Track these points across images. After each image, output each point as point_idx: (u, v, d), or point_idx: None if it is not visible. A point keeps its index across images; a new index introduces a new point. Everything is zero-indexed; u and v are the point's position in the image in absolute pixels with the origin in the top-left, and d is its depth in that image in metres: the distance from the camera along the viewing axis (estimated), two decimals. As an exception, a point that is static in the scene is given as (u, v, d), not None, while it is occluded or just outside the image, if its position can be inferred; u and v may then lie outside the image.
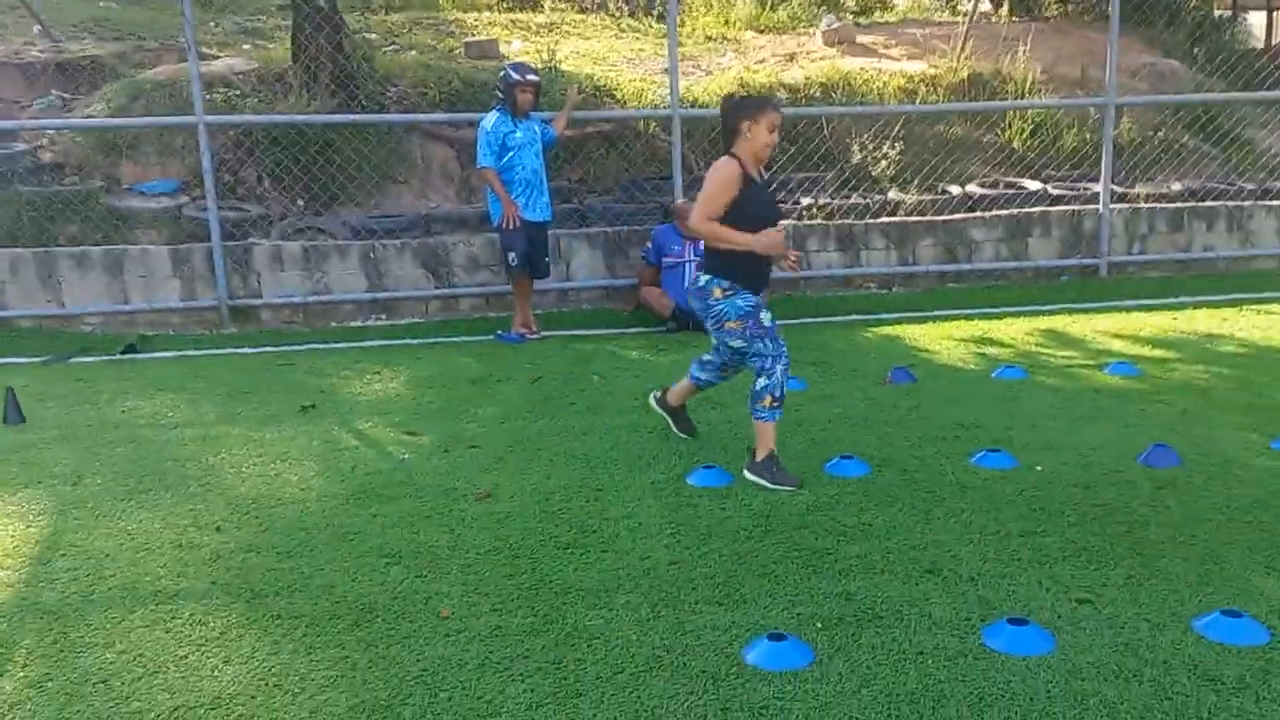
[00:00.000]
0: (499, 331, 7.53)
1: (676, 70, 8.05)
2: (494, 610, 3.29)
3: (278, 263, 7.92)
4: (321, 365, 6.80)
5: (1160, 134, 9.98)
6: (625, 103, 10.27)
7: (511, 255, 7.24)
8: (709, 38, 14.67)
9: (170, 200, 8.45)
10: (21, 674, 2.97)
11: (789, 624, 3.12)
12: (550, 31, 15.04)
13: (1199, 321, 7.21)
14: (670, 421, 4.98)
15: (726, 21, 15.30)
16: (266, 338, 7.63)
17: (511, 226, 7.18)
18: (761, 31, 14.85)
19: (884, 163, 9.41)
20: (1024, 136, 9.93)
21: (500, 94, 7.24)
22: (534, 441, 5.05)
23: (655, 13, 16.57)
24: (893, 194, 9.06)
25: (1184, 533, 3.70)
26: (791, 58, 12.38)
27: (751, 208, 4.26)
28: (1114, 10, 8.34)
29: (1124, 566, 3.45)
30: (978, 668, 2.85)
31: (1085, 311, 7.60)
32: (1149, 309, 7.66)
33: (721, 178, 4.21)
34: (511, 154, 7.17)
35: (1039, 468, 4.41)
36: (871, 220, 8.50)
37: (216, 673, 2.95)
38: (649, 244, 7.81)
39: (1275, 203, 8.84)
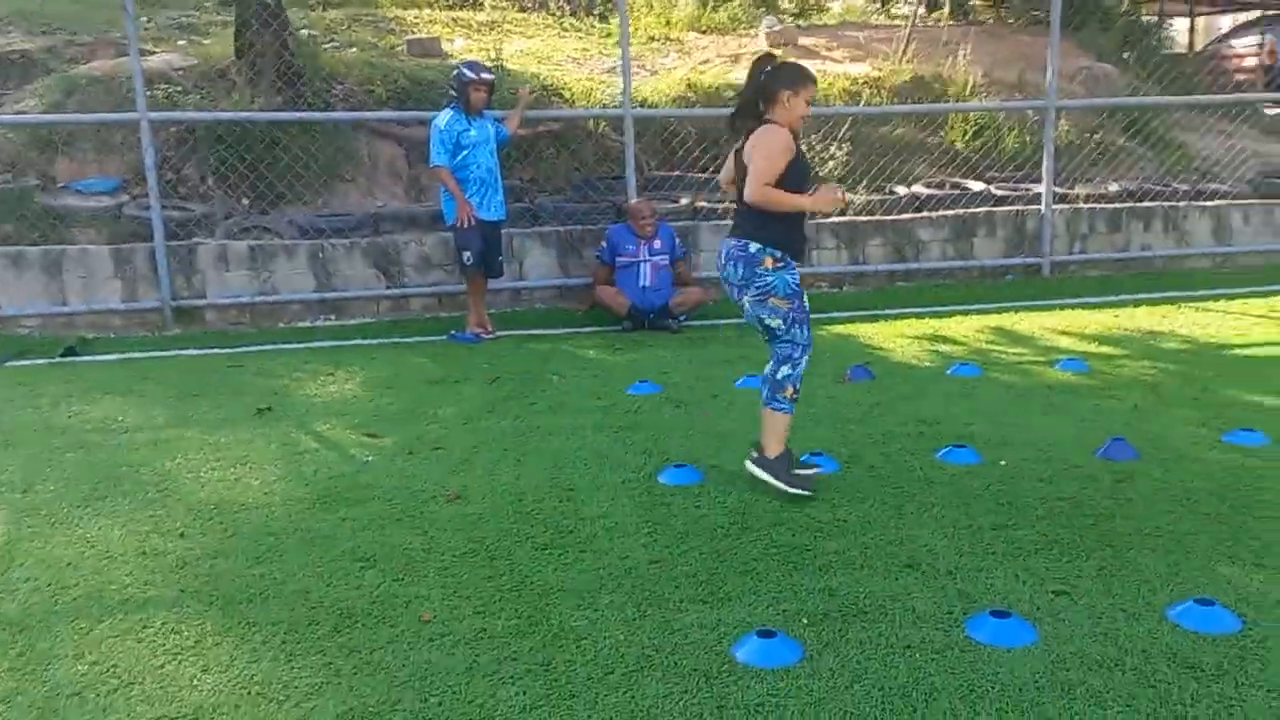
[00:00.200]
0: (453, 331, 7.46)
1: (629, 70, 8.05)
2: (477, 613, 3.26)
3: (223, 262, 7.75)
4: (272, 367, 6.67)
5: (1097, 136, 10.23)
6: (574, 102, 10.24)
7: (466, 254, 7.18)
8: (651, 38, 14.68)
9: (110, 199, 8.22)
10: (-11, 688, 2.87)
11: (775, 621, 3.13)
12: (492, 30, 14.95)
13: (1140, 319, 7.41)
14: (784, 478, 4.15)
15: (668, 22, 15.33)
16: (212, 339, 7.46)
17: (466, 225, 7.11)
18: (704, 32, 14.91)
19: (831, 163, 9.51)
20: (967, 138, 10.11)
21: (454, 92, 7.18)
22: (499, 442, 5.01)
23: (596, 12, 16.56)
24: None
25: (1148, 524, 3.79)
26: (736, 59, 12.44)
27: (799, 176, 4.06)
28: (1054, 16, 8.52)
29: (1095, 558, 3.52)
30: (965, 660, 2.89)
31: (1031, 309, 7.76)
32: (1092, 307, 7.84)
33: (779, 145, 3.96)
34: (465, 152, 7.10)
35: (1003, 462, 4.49)
36: (822, 220, 8.58)
37: (196, 682, 2.88)
38: (603, 243, 7.79)
39: (1209, 203, 9.12)
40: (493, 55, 10.89)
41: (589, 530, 3.88)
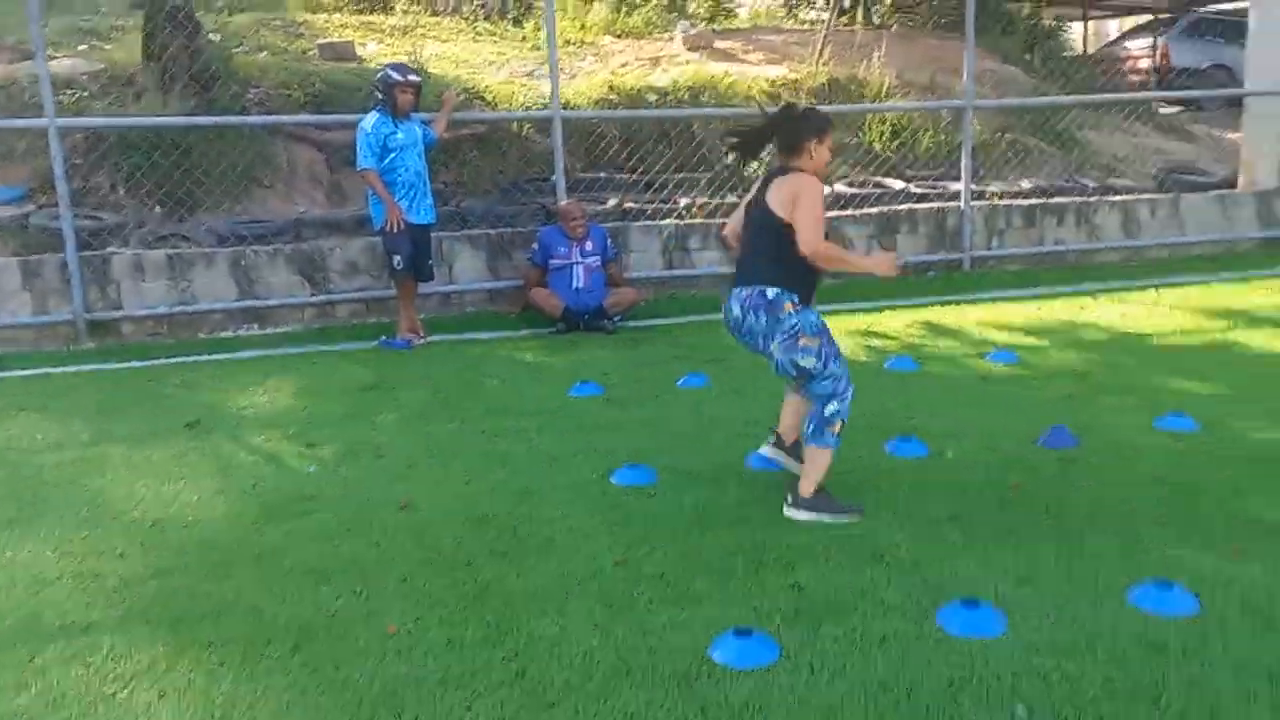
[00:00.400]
0: (383, 337, 7.29)
1: (556, 72, 7.99)
2: (443, 623, 3.17)
3: (139, 273, 7.45)
4: (196, 379, 6.44)
5: (1007, 135, 10.50)
6: (496, 105, 10.14)
7: (396, 259, 7.03)
8: (567, 42, 14.62)
9: (15, 209, 7.85)
10: (-73, 725, 2.69)
11: (748, 619, 3.11)
12: (405, 34, 14.74)
13: (1060, 311, 7.61)
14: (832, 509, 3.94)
15: (583, 26, 15.29)
16: (130, 352, 7.16)
17: (395, 229, 6.97)
18: (619, 36, 14.91)
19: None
20: (884, 139, 10.28)
21: (379, 95, 7.02)
22: (443, 447, 4.91)
23: (510, 17, 16.45)
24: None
25: (1097, 510, 3.88)
26: (655, 62, 12.47)
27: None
28: (969, 21, 8.72)
29: (1052, 545, 3.59)
30: (940, 652, 2.90)
31: (956, 303, 7.91)
32: (1013, 300, 8.03)
33: (817, 197, 3.84)
34: (393, 155, 6.96)
35: (950, 454, 4.56)
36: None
37: (153, 709, 2.74)
38: (534, 245, 7.71)
39: (1116, 198, 9.42)
40: (412, 59, 10.71)
41: (548, 534, 3.82)
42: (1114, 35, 23.31)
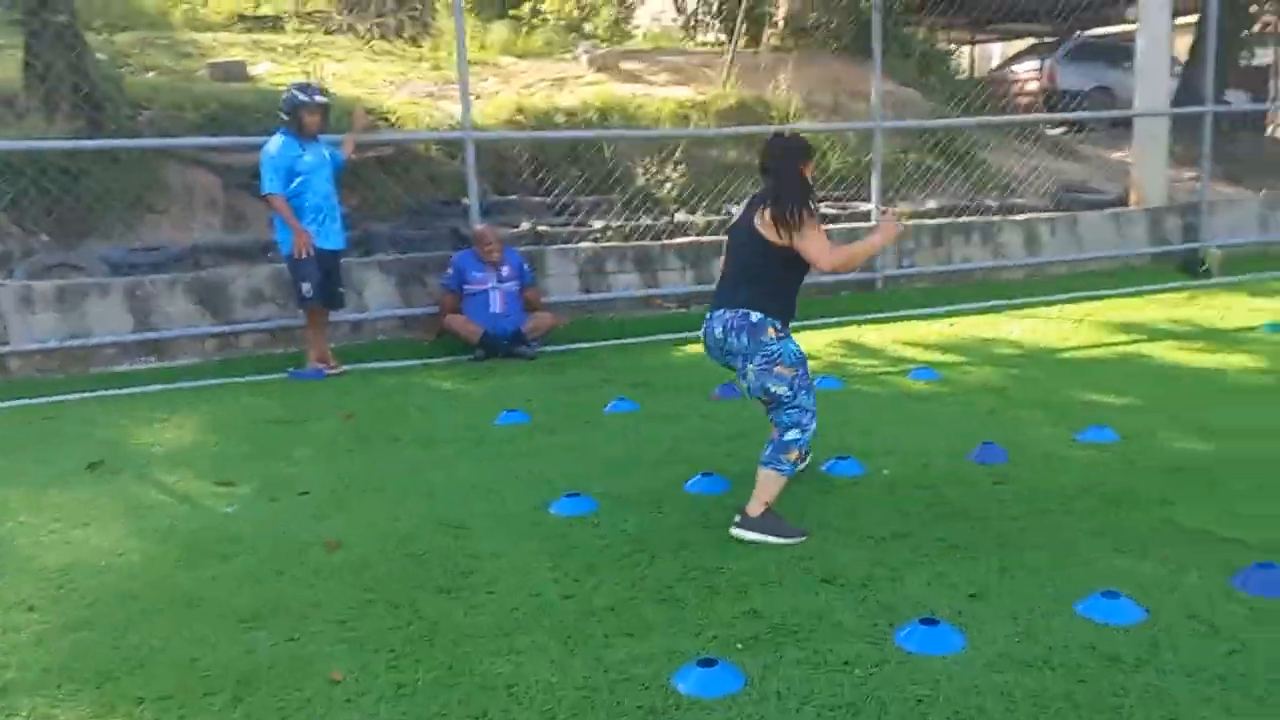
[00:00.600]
0: (291, 369, 7.05)
1: (467, 93, 7.88)
2: (391, 667, 3.03)
3: (27, 305, 7.06)
4: (94, 416, 6.12)
5: (911, 156, 10.74)
6: (401, 125, 9.95)
7: (305, 286, 6.80)
8: (469, 62, 14.50)
9: (-113, 237, 7.37)
10: None
11: (707, 647, 3.05)
12: (298, 53, 14.42)
13: (971, 327, 7.78)
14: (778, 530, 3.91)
15: (483, 46, 15.18)
16: (20, 389, 6.77)
17: (303, 256, 6.75)
18: (520, 56, 14.85)
19: (668, 185, 9.60)
20: (793, 159, 10.39)
21: (285, 116, 6.81)
22: (368, 482, 4.74)
23: (406, 36, 16.26)
24: (681, 215, 9.25)
25: (1033, 524, 3.93)
26: (560, 83, 12.43)
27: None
28: (876, 45, 8.90)
29: (995, 560, 3.61)
30: (904, 672, 2.88)
31: (871, 322, 8.03)
32: (925, 317, 8.19)
33: (814, 217, 3.89)
34: (300, 179, 6.75)
35: (885, 472, 4.58)
36: (668, 241, 8.63)
37: (82, 775, 2.54)
38: (448, 270, 7.56)
39: (1019, 217, 9.70)
40: (309, 79, 10.44)
41: (490, 569, 3.70)
42: (995, 59, 24.24)
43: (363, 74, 12.91)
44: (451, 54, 14.67)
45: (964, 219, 9.51)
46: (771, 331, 3.92)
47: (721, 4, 19.00)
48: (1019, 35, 20.84)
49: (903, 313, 8.28)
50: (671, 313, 8.46)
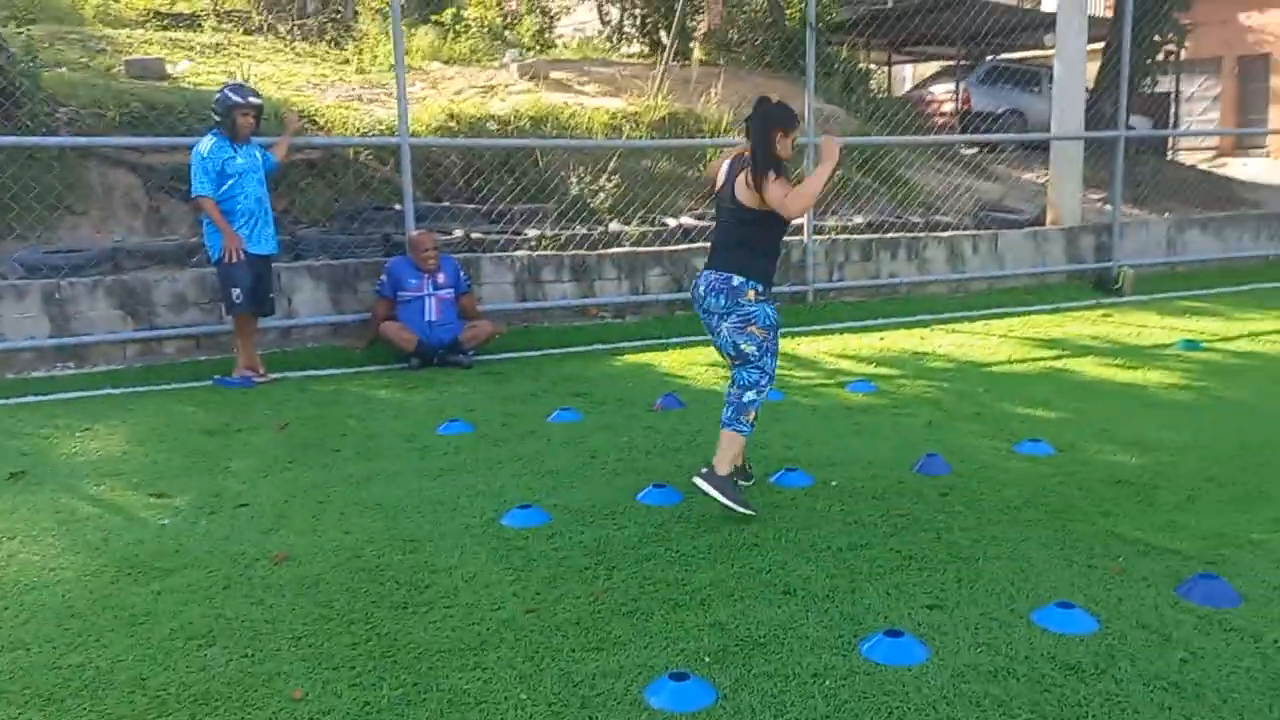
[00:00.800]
0: (218, 376, 6.85)
1: (405, 98, 7.76)
2: (353, 685, 2.95)
3: (-64, 306, 6.74)
4: (11, 425, 5.86)
5: (839, 172, 10.90)
6: (330, 129, 9.77)
7: (235, 292, 6.62)
8: (392, 66, 14.32)
9: None
10: None
11: (675, 661, 3.04)
12: (217, 52, 14.09)
13: (902, 341, 7.93)
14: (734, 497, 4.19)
15: (408, 51, 15.00)
16: (-72, 395, 6.46)
17: (234, 260, 6.57)
18: (447, 63, 14.72)
19: (601, 195, 9.60)
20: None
21: (217, 117, 6.63)
22: (312, 494, 4.62)
23: (328, 38, 16.01)
24: (614, 225, 9.25)
25: (983, 535, 4.01)
26: (490, 90, 12.34)
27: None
28: (809, 62, 9.02)
29: (950, 571, 3.68)
30: (873, 683, 2.91)
31: (804, 334, 8.12)
32: (856, 331, 8.32)
33: (778, 175, 4.15)
34: (232, 182, 6.57)
35: (834, 483, 4.63)
36: (604, 251, 8.62)
37: (35, 804, 2.42)
38: (382, 277, 7.43)
39: (943, 234, 9.93)
40: (234, 79, 10.19)
41: (448, 583, 3.63)
42: (907, 81, 24.83)
43: (286, 76, 12.65)
44: (376, 58, 14.55)
45: (891, 235, 9.69)
46: (751, 294, 4.26)
47: (645, 17, 19.14)
48: (932, 58, 21.37)
49: (834, 326, 8.40)
50: (607, 322, 8.45)
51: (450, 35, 15.80)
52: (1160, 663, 3.00)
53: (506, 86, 12.62)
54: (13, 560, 3.88)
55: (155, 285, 7.33)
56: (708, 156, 10.58)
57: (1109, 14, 15.43)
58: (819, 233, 9.32)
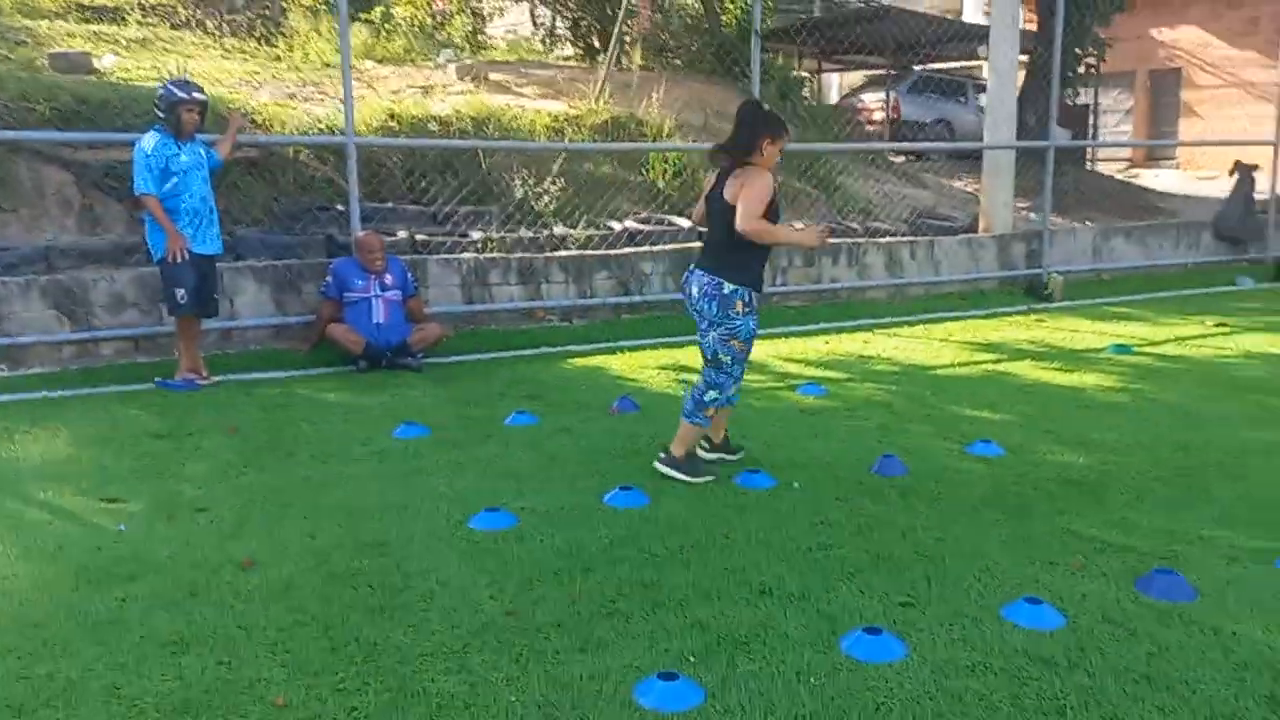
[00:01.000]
0: (159, 379, 6.68)
1: (351, 97, 7.66)
2: (337, 690, 2.92)
3: None
4: (-56, 428, 5.65)
5: (778, 178, 11.03)
6: (268, 127, 9.59)
7: (180, 292, 6.46)
8: (326, 64, 14.13)
9: None
10: None
11: (661, 661, 3.06)
12: (144, 46, 13.75)
13: (847, 344, 8.06)
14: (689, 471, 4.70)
15: (338, 49, 14.78)
16: None
17: (178, 260, 6.42)
18: (380, 61, 14.56)
19: (546, 198, 9.58)
20: (667, 177, 10.56)
21: (160, 113, 6.47)
22: (271, 498, 4.54)
23: (258, 34, 15.73)
24: (559, 229, 9.24)
25: (947, 534, 4.11)
26: (428, 90, 12.23)
27: (773, 215, 4.56)
28: (754, 71, 9.14)
29: (919, 569, 3.76)
30: (858, 680, 2.97)
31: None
32: (800, 335, 8.43)
33: (765, 184, 4.42)
34: (176, 180, 6.42)
35: (795, 485, 4.69)
36: (551, 254, 8.60)
37: (18, 818, 2.35)
38: (328, 278, 7.32)
39: (882, 240, 10.12)
40: (168, 74, 9.96)
41: (423, 587, 3.60)
42: (834, 90, 25.21)
43: (218, 72, 12.38)
44: (308, 55, 14.33)
45: (832, 240, 9.84)
46: (739, 305, 4.53)
47: (578, 20, 19.15)
48: (859, 67, 21.72)
49: (779, 329, 8.49)
50: (555, 325, 8.44)
51: (382, 34, 15.64)
52: (1129, 656, 3.11)
53: (445, 87, 12.51)
54: (-37, 569, 3.75)
55: (92, 285, 7.12)
56: (650, 161, 10.63)
57: (1032, 26, 15.84)
58: (762, 237, 9.41)
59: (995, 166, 10.94)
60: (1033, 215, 12.05)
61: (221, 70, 12.58)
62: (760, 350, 7.76)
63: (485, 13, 20.90)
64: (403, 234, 8.61)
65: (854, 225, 10.70)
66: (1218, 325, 8.79)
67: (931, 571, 3.74)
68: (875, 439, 5.43)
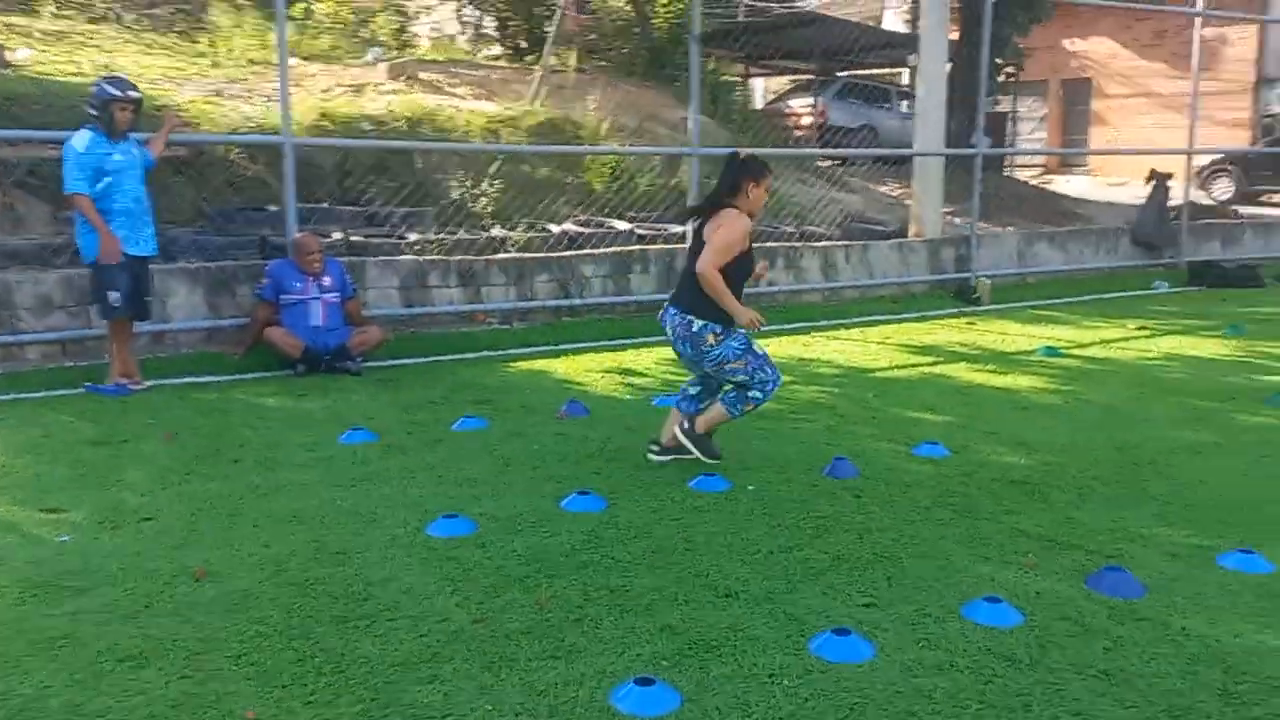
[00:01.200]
0: (89, 384, 6.48)
1: (287, 95, 7.51)
2: (308, 703, 2.87)
3: None
4: None
5: (713, 182, 11.11)
6: (197, 125, 9.35)
7: (113, 295, 6.28)
8: (251, 61, 13.86)
9: None
10: None
11: (635, 666, 3.07)
12: (60, 40, 13.32)
13: (788, 347, 8.15)
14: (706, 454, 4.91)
15: (263, 45, 14.52)
16: None
17: (112, 262, 6.23)
18: (306, 59, 14.31)
19: (484, 200, 9.52)
20: (603, 180, 10.57)
21: (93, 111, 6.27)
22: (219, 506, 4.44)
23: (179, 30, 15.36)
24: (497, 231, 9.19)
25: (902, 535, 4.19)
26: (360, 89, 12.05)
27: (745, 260, 4.66)
28: (693, 76, 9.18)
29: (878, 569, 3.83)
30: (830, 681, 3.01)
31: (691, 342, 8.24)
32: (739, 338, 8.50)
33: (740, 230, 4.57)
34: (109, 180, 6.23)
35: (750, 487, 4.74)
36: (491, 256, 8.54)
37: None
38: (263, 280, 7.18)
39: (817, 244, 10.26)
40: (82, 67, 9.68)
41: (386, 596, 3.56)
42: (758, 95, 25.49)
43: (139, 68, 12.05)
44: (232, 51, 14.02)
45: (769, 244, 9.95)
46: (711, 338, 4.64)
47: (506, 21, 19.07)
48: (786, 72, 22.00)
49: (719, 333, 8.54)
50: (495, 328, 8.38)
51: (306, 31, 15.39)
52: (1087, 652, 3.21)
53: (376, 86, 12.36)
54: (-103, 584, 3.60)
55: (17, 287, 6.88)
56: (587, 164, 10.63)
57: (955, 35, 16.22)
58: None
59: (925, 172, 11.17)
60: (957, 220, 12.33)
61: (142, 66, 12.27)
62: (702, 353, 7.83)
63: (411, 11, 20.69)
64: (338, 235, 8.48)
65: (788, 228, 10.83)
66: (1139, 328, 9.10)
67: (891, 572, 3.81)
68: (823, 441, 5.51)
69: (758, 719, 2.81)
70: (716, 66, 16.23)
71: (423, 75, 13.14)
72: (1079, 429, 5.80)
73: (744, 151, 4.87)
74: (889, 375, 7.27)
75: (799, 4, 22.46)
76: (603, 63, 16.03)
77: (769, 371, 4.77)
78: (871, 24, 22.48)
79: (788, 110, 18.28)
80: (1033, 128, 27.38)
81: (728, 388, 4.81)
